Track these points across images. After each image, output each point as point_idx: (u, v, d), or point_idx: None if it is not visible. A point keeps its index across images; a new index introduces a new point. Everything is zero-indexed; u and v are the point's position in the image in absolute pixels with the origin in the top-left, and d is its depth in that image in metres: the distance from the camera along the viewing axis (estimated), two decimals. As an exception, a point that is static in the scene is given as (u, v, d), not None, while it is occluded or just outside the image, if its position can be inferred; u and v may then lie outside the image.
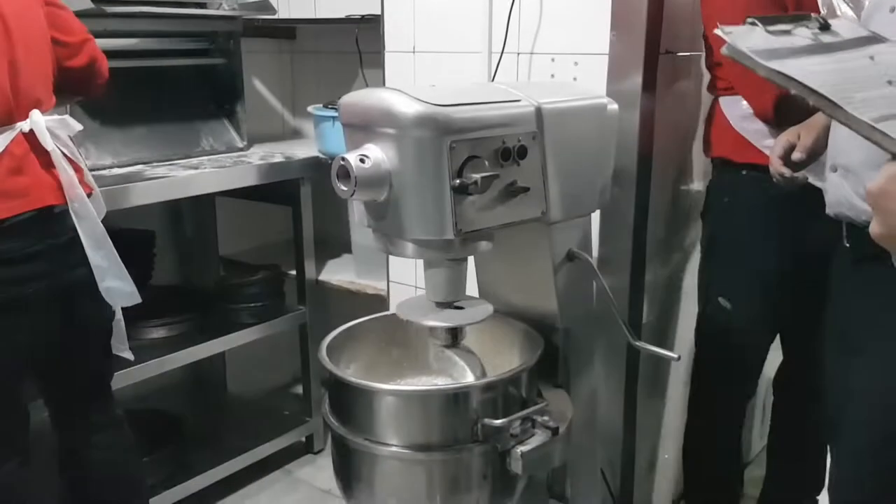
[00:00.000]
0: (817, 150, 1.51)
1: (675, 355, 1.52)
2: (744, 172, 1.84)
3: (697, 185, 2.17)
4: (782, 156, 1.52)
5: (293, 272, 2.59)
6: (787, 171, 1.52)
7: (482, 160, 1.33)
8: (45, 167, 1.58)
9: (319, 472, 2.58)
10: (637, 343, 1.57)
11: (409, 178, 1.30)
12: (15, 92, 1.56)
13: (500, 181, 1.36)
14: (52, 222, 1.57)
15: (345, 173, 1.30)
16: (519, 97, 1.42)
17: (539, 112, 1.41)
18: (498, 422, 1.36)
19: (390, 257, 2.38)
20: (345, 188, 1.31)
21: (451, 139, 1.29)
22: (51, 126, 1.59)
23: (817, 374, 1.55)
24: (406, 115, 1.28)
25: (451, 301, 1.46)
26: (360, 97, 1.37)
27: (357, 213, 1.43)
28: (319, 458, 2.66)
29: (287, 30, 2.93)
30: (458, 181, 1.29)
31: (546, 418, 1.42)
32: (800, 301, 1.87)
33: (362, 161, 1.30)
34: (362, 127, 1.34)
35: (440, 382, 1.62)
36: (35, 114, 1.57)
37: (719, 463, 2.09)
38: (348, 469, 1.48)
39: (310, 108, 2.52)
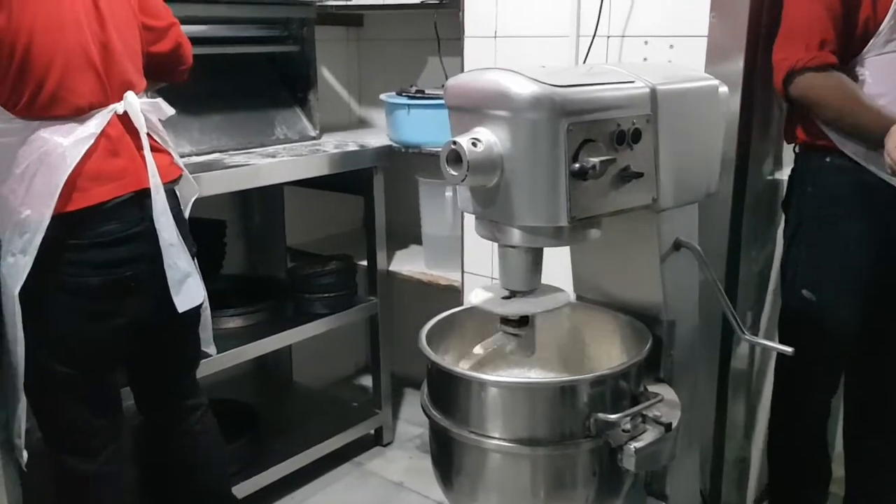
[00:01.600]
0: None
1: (789, 349, 1.46)
2: (828, 160, 1.77)
3: (786, 173, 2.09)
4: None
5: (363, 262, 2.55)
6: None
7: (598, 144, 1.28)
8: (138, 149, 1.56)
9: (390, 464, 2.55)
10: (747, 337, 1.50)
11: (523, 162, 1.25)
12: (108, 74, 1.54)
13: (614, 166, 1.31)
14: (148, 204, 1.55)
15: (456, 157, 1.26)
16: (632, 78, 1.36)
17: (654, 93, 1.35)
18: (612, 417, 1.31)
19: (465, 247, 2.35)
20: (455, 173, 1.26)
21: (567, 121, 1.24)
22: (144, 109, 1.57)
23: None
24: (521, 96, 1.23)
25: (525, 290, 1.41)
26: (470, 78, 1.32)
27: (462, 199, 1.39)
28: (389, 450, 2.63)
29: (355, 17, 2.90)
30: (577, 165, 1.24)
31: (658, 413, 1.36)
32: (889, 293, 1.79)
33: (474, 145, 1.25)
34: (472, 109, 1.29)
35: (535, 375, 1.57)
36: (130, 95, 1.55)
37: (804, 460, 2.01)
38: (449, 461, 1.44)
39: (382, 96, 2.48)
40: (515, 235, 1.33)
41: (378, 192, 2.44)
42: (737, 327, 1.50)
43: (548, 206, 1.27)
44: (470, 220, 2.20)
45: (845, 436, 2.09)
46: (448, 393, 1.40)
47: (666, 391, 1.47)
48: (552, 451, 1.33)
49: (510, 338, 1.44)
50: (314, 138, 2.46)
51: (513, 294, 1.41)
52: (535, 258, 1.39)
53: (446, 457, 1.44)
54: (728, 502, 2.12)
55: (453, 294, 2.42)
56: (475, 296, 1.45)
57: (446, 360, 1.54)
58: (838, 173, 1.75)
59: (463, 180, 1.26)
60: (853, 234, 1.77)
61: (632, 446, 1.32)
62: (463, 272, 2.36)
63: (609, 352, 1.57)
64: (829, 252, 1.80)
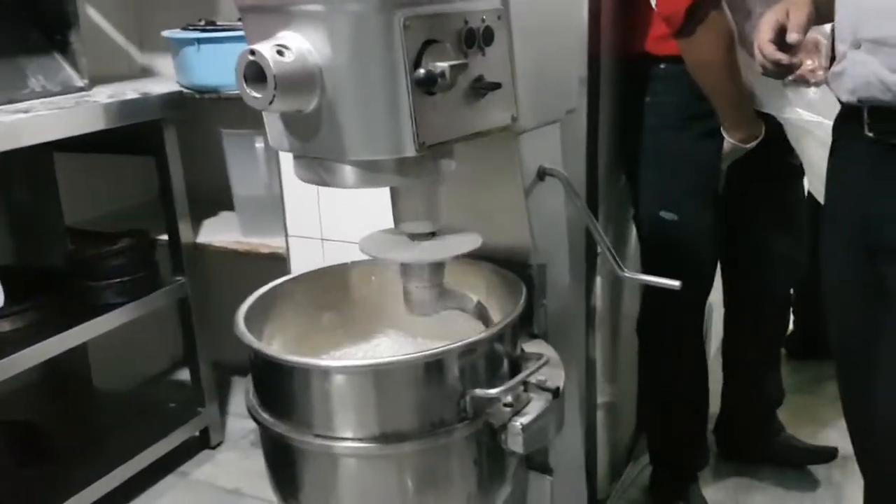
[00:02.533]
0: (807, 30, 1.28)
1: (676, 283, 1.25)
2: (662, 66, 1.61)
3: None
4: (773, 39, 1.27)
5: (164, 237, 2.14)
6: (784, 57, 1.26)
7: (444, 45, 0.99)
8: None
9: (222, 469, 2.19)
10: (627, 274, 1.29)
11: (349, 72, 0.94)
12: None
13: (466, 75, 1.02)
14: None
15: (257, 73, 0.92)
16: (477, -37, 1.07)
17: (504, -17, 1.07)
18: (493, 391, 1.04)
19: (286, 206, 2.00)
20: (258, 95, 0.93)
21: (403, 14, 0.93)
22: None
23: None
24: (338, -18, 0.91)
25: (429, 231, 1.13)
26: (266, -34, 0.98)
27: (273, 133, 1.05)
28: (219, 453, 2.26)
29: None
30: (421, 72, 0.94)
31: (542, 378, 1.11)
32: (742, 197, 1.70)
33: (280, 53, 0.92)
34: (274, 7, 0.96)
35: (385, 350, 1.28)
36: None
37: (681, 395, 1.87)
38: (290, 474, 1.12)
39: (165, 33, 2.06)
40: (348, 175, 1.02)
41: (171, 150, 2.03)
42: (615, 264, 1.28)
43: (388, 132, 0.97)
44: (289, 164, 1.88)
45: (724, 357, 1.99)
46: (281, 388, 1.08)
47: (544, 348, 1.23)
48: (421, 445, 1.05)
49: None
50: (81, 89, 2.00)
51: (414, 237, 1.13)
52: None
53: (286, 469, 1.13)
54: (605, 458, 1.95)
55: (279, 263, 2.07)
56: (371, 246, 1.15)
57: (274, 346, 1.22)
58: (674, 82, 1.60)
59: (270, 103, 0.93)
60: (699, 140, 1.62)
61: (517, 423, 1.06)
62: (287, 236, 2.02)
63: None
64: (679, 164, 1.64)
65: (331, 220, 1.95)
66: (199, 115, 2.13)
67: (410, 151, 0.98)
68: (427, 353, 1.03)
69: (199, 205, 2.22)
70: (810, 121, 1.56)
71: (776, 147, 1.61)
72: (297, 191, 1.97)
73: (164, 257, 2.17)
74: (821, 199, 1.41)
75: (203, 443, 2.27)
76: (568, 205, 1.32)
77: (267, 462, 1.18)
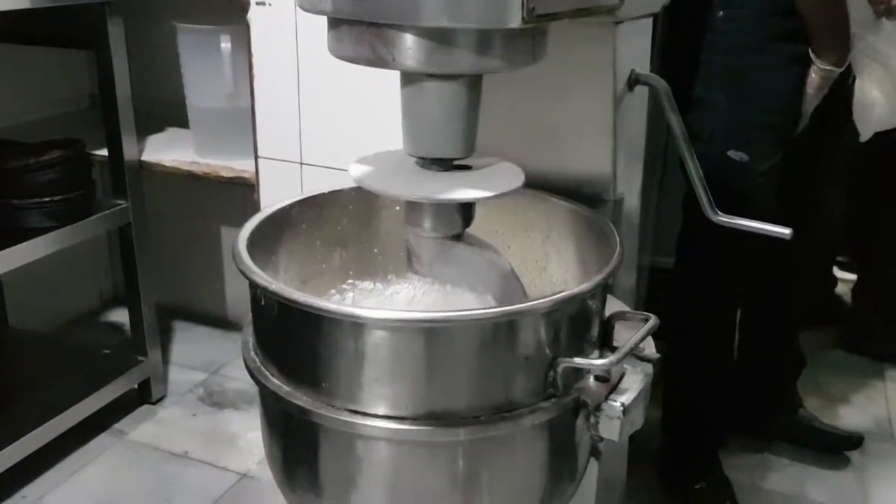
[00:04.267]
0: None
1: (786, 230, 1.00)
2: None
3: None
4: None
5: (103, 152, 1.78)
6: None
7: None
8: None
9: (165, 428, 1.87)
10: (722, 218, 1.03)
11: None
12: None
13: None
14: None
15: None
16: None
17: None
18: (601, 361, 0.77)
19: (257, 122, 1.66)
20: None
21: None
22: None
23: None
24: None
25: (452, 158, 0.83)
26: None
27: (307, -19, 0.74)
28: (162, 409, 1.94)
29: None
30: None
31: (643, 347, 0.85)
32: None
33: None
34: None
35: (434, 298, 0.99)
36: None
37: (710, 366, 1.65)
38: (307, 459, 0.83)
39: None
40: (417, 51, 0.72)
41: (115, 44, 1.66)
42: (706, 203, 1.03)
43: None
44: (265, 80, 1.56)
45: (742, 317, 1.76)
46: (299, 344, 0.78)
47: (620, 305, 0.96)
48: (492, 430, 0.77)
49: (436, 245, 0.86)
50: (1, -42, 1.60)
51: (432, 165, 0.82)
52: (475, 96, 0.79)
53: (299, 451, 0.84)
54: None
55: (243, 191, 1.75)
56: (363, 172, 0.84)
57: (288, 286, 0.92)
58: None
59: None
60: (781, 66, 1.36)
61: (617, 403, 0.80)
62: (257, 158, 1.68)
63: (542, 258, 1.03)
64: (756, 94, 1.37)
65: (313, 139, 1.63)
66: (152, 2, 1.76)
67: (515, 21, 0.68)
68: (508, 309, 0.75)
69: (146, 116, 1.86)
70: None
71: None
72: (271, 102, 1.63)
73: (103, 177, 1.81)
74: (864, 133, 1.31)
75: (143, 397, 1.93)
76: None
77: (270, 437, 0.88)
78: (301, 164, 1.66)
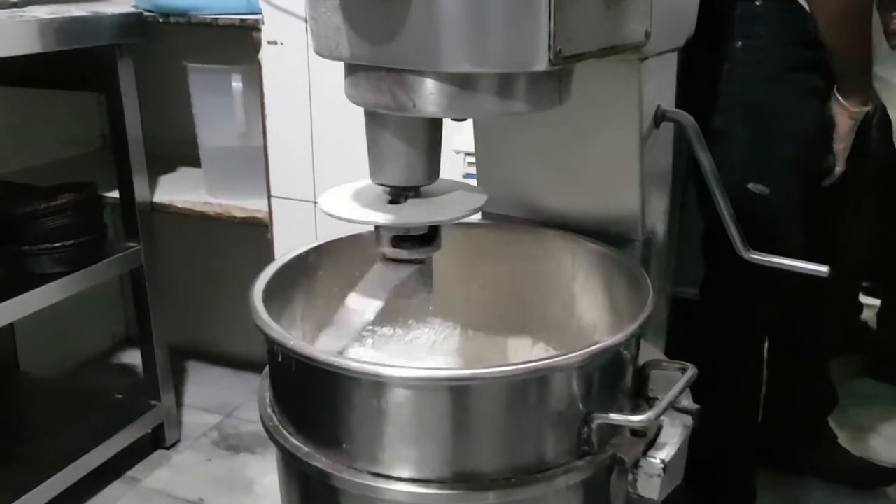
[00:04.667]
0: None
1: (824, 268, 0.96)
2: (758, 3, 1.30)
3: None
4: None
5: (115, 194, 1.76)
6: None
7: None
8: None
9: (180, 475, 1.83)
10: (755, 256, 0.99)
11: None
12: None
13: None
14: None
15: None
16: None
17: None
18: (639, 417, 0.73)
19: (270, 161, 1.64)
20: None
21: None
22: None
23: None
24: None
25: (420, 183, 0.81)
26: None
27: (325, 29, 0.71)
28: (176, 454, 1.90)
29: None
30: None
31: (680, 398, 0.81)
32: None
33: None
34: None
35: (455, 342, 0.96)
36: None
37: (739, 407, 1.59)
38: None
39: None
40: (438, 96, 0.69)
41: (126, 86, 1.65)
42: (738, 241, 0.99)
43: (514, 34, 0.65)
44: (277, 109, 1.55)
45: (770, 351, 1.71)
46: (318, 403, 0.75)
47: (653, 352, 0.92)
48: (523, 493, 0.73)
49: (401, 270, 0.82)
50: (14, 5, 1.59)
51: (399, 194, 0.80)
52: (437, 129, 0.76)
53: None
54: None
55: (256, 231, 1.72)
56: (332, 203, 0.82)
57: (299, 336, 0.89)
58: (778, 22, 1.29)
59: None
60: (802, 98, 1.33)
61: (657, 459, 0.75)
62: (270, 198, 1.66)
63: (570, 300, 0.99)
64: (777, 126, 1.34)
65: (327, 178, 1.60)
66: (162, 43, 1.75)
67: (542, 64, 0.66)
68: (539, 363, 0.71)
69: (158, 156, 1.84)
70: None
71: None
72: (284, 141, 1.62)
73: (114, 219, 1.79)
74: None
75: (156, 442, 1.90)
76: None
77: (288, 499, 0.84)
78: (315, 203, 1.63)
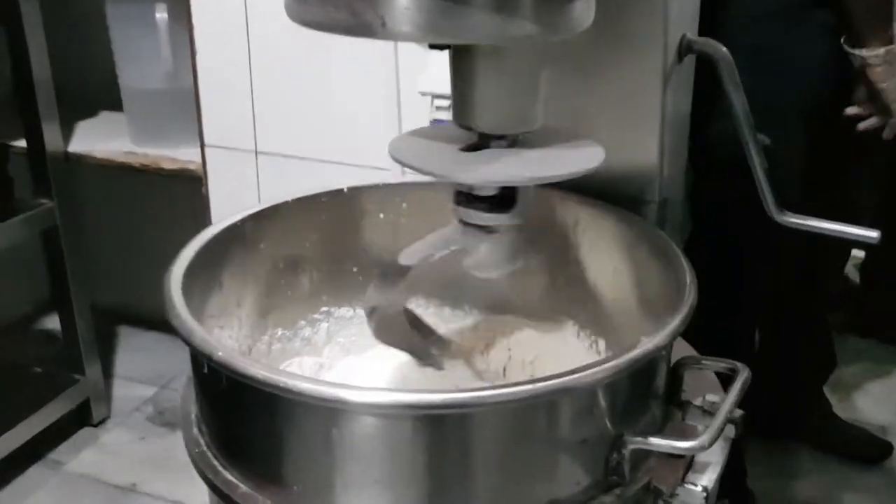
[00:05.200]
0: None
1: (874, 234, 0.80)
2: None
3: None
4: None
5: (21, 144, 1.53)
6: None
7: None
8: None
9: (108, 456, 1.64)
10: (789, 218, 0.83)
11: None
12: None
13: None
14: None
15: None
16: None
17: None
18: (686, 444, 0.56)
19: (202, 104, 1.42)
20: None
21: None
22: None
23: None
24: None
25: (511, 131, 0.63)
26: None
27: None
28: (104, 433, 1.70)
29: None
30: None
31: (711, 401, 0.66)
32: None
33: None
34: None
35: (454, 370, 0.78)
36: None
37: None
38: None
39: None
40: (425, 12, 0.50)
41: (31, 18, 1.42)
42: (770, 201, 0.83)
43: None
44: (209, 56, 1.34)
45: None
46: (260, 432, 0.56)
47: (686, 348, 0.76)
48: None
49: (475, 237, 0.65)
50: None
51: (482, 140, 0.63)
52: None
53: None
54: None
55: (189, 185, 1.51)
56: (400, 145, 0.64)
57: (237, 333, 0.71)
58: None
59: None
60: (810, 38, 1.18)
61: (697, 487, 0.60)
62: (204, 146, 1.45)
63: (569, 276, 0.82)
64: (781, 68, 1.19)
65: (270, 124, 1.39)
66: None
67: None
68: (559, 382, 0.54)
69: (73, 100, 1.61)
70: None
71: None
72: (218, 81, 1.40)
73: (22, 172, 1.55)
74: None
75: (82, 419, 1.70)
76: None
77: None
78: (256, 152, 1.43)
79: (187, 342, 0.56)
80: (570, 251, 0.82)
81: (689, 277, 0.64)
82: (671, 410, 0.65)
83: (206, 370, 0.57)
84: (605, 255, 0.78)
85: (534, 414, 0.53)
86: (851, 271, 2.12)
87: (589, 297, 0.79)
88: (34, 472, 1.59)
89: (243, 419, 0.57)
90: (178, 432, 1.71)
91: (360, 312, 0.87)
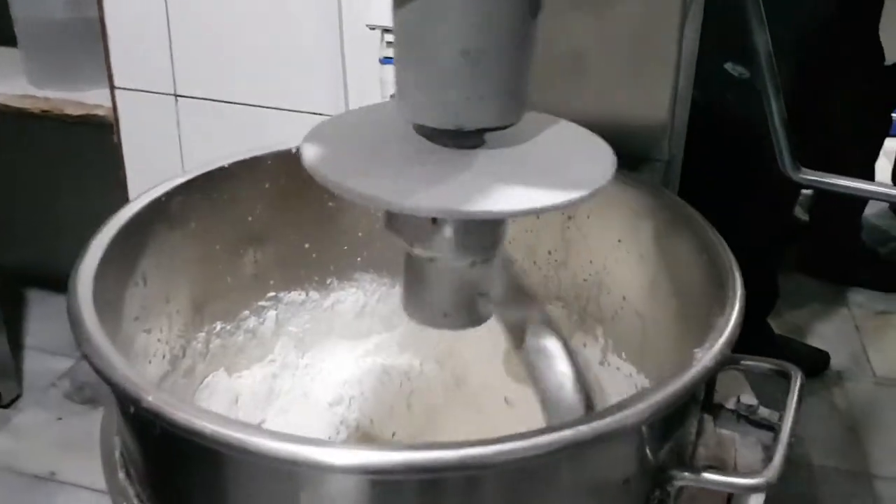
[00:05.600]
0: None
1: (898, 192, 0.70)
2: None
3: None
4: None
5: None
6: None
7: None
8: None
9: (21, 442, 1.46)
10: (807, 176, 0.72)
11: None
12: None
13: None
14: None
15: None
16: None
17: None
18: (752, 482, 0.45)
19: (110, 38, 1.22)
20: None
21: None
22: None
23: None
24: None
25: (476, 127, 0.44)
26: None
27: None
28: (15, 414, 1.52)
29: None
30: None
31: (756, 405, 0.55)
32: None
33: None
34: None
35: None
36: None
37: None
38: None
39: None
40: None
41: None
42: (786, 156, 0.71)
43: None
44: None
45: None
46: (218, 494, 0.42)
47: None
48: None
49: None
50: None
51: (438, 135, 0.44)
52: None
53: None
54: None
55: (98, 133, 1.31)
56: (317, 152, 0.46)
57: (166, 336, 0.57)
58: None
59: None
60: None
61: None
62: (113, 88, 1.25)
63: (560, 248, 0.69)
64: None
65: (191, 62, 1.20)
66: None
67: None
68: (602, 424, 0.40)
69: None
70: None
71: None
72: (128, 9, 1.19)
73: None
74: None
75: (-11, 401, 1.52)
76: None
77: None
78: (175, 95, 1.24)
79: (107, 381, 0.41)
80: (558, 218, 0.69)
81: (732, 263, 0.52)
82: (701, 419, 0.54)
83: (132, 411, 0.42)
84: (599, 222, 0.66)
85: (561, 464, 0.40)
86: (799, 210, 2.08)
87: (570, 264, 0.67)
88: (-64, 464, 1.42)
89: (186, 477, 0.42)
90: (101, 410, 1.54)
91: (314, 296, 0.74)
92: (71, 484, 1.37)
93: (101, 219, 0.57)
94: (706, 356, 0.44)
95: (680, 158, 0.73)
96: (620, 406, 0.40)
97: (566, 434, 0.37)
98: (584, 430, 0.38)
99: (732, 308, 0.48)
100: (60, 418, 1.51)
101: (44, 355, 1.65)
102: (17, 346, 1.64)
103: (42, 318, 1.75)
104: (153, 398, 0.38)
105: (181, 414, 0.37)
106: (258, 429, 0.36)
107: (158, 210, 0.59)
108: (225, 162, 0.65)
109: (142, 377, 0.41)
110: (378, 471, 0.36)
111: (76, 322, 0.46)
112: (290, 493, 0.38)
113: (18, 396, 1.55)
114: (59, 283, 1.75)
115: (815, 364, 1.63)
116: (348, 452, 0.36)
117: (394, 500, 0.39)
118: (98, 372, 0.41)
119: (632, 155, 0.67)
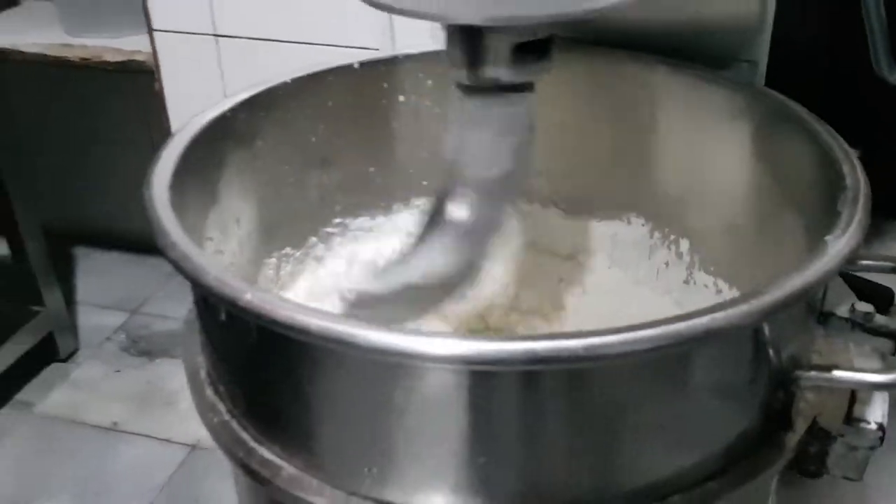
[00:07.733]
0: None
1: None
2: None
3: None
4: None
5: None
6: None
7: None
8: None
9: (82, 394, 1.47)
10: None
11: None
12: None
13: None
14: None
15: None
16: None
17: None
18: (887, 378, 0.42)
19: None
20: None
21: None
22: None
23: None
24: None
25: None
26: None
27: None
28: (74, 368, 1.53)
29: None
30: None
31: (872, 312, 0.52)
32: None
33: None
34: None
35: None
36: None
37: None
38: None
39: None
40: None
41: None
42: (882, 55, 0.66)
43: None
44: None
45: None
46: (314, 400, 0.40)
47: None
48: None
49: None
50: None
51: None
52: None
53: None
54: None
55: (138, 80, 1.29)
56: None
57: (241, 256, 0.54)
58: None
59: None
60: None
61: (871, 423, 0.46)
62: (152, 31, 1.22)
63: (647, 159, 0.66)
64: None
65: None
66: None
67: None
68: (732, 313, 0.37)
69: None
70: None
71: None
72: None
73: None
74: None
75: (47, 356, 1.52)
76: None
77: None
78: (216, 35, 1.21)
79: (195, 282, 0.39)
80: (640, 130, 0.65)
81: (851, 154, 0.48)
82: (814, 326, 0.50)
83: (223, 318, 0.40)
84: (687, 135, 0.62)
85: (684, 362, 0.37)
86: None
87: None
88: (2, 418, 1.43)
89: (286, 381, 0.40)
90: (157, 361, 1.54)
91: (380, 222, 0.71)
92: (133, 433, 1.38)
93: (140, 176, 0.53)
94: (839, 243, 0.40)
95: (765, 61, 0.69)
96: (756, 293, 0.36)
97: (702, 320, 0.34)
98: (718, 317, 0.35)
99: (857, 194, 0.44)
100: (118, 371, 1.52)
101: (97, 310, 1.65)
102: (71, 302, 1.64)
103: (91, 274, 1.75)
104: (251, 296, 0.36)
105: (283, 311, 0.35)
106: (369, 322, 0.34)
107: (225, 125, 0.56)
108: (287, 78, 0.62)
109: (236, 276, 0.39)
110: (498, 361, 0.33)
111: (156, 224, 0.43)
112: (402, 387, 0.36)
113: (76, 351, 1.56)
114: (104, 240, 1.75)
115: None
116: (473, 343, 0.33)
117: (503, 398, 0.36)
118: (188, 275, 0.39)
119: (720, 56, 0.63)
